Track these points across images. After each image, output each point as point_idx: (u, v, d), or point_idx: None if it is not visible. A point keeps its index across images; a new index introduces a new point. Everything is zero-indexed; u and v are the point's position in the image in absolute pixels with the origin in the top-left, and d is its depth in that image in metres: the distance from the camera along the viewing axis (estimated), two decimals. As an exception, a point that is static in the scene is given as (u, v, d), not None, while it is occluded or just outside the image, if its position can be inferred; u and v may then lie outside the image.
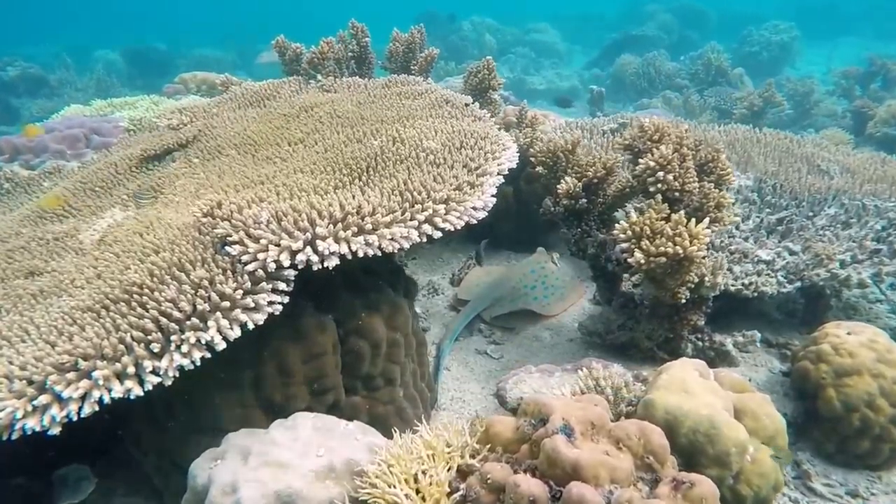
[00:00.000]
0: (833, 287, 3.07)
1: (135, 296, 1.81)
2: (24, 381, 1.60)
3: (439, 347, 3.29)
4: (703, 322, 2.78)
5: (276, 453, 1.75)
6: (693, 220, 2.30)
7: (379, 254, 1.87)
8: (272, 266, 1.80)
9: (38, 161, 4.02)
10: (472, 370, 3.26)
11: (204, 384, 2.06)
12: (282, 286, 1.84)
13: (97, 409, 1.59)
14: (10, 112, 11.02)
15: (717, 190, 2.52)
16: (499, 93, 4.04)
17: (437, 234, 1.97)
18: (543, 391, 2.37)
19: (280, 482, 1.66)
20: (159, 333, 1.70)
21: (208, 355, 1.74)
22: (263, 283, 1.82)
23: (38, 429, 1.54)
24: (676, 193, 2.43)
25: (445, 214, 1.98)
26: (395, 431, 1.74)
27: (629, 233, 2.35)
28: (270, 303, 1.82)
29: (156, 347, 1.67)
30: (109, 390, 1.59)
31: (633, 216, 2.41)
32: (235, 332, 1.76)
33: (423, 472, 1.50)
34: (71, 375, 1.59)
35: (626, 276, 2.99)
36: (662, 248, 2.24)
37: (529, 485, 1.36)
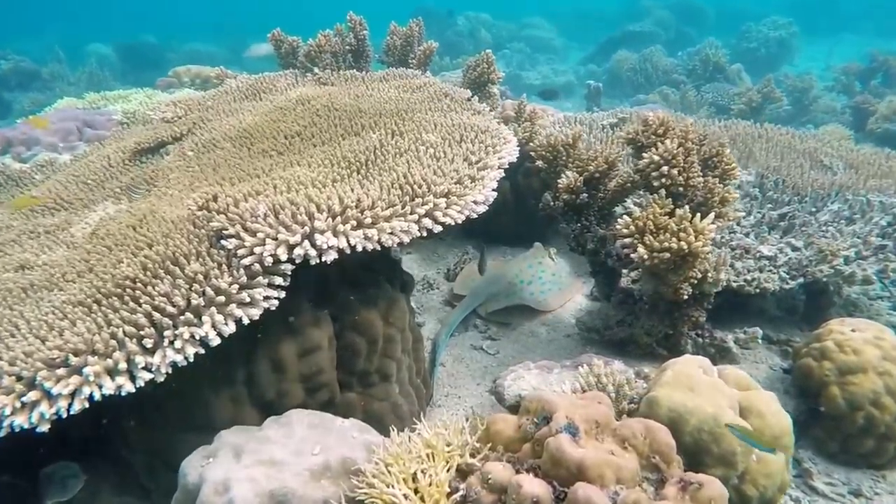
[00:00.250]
0: (836, 283, 3.04)
1: (127, 290, 1.76)
2: (13, 378, 1.55)
3: (435, 343, 3.26)
4: (703, 318, 2.75)
5: (270, 451, 1.71)
6: (698, 215, 2.27)
7: (378, 248, 1.83)
8: (269, 260, 1.76)
9: (30, 154, 3.96)
10: (467, 366, 3.23)
11: (195, 380, 2.02)
12: (278, 281, 1.80)
13: (87, 405, 1.54)
14: (1, 105, 10.90)
15: (721, 185, 2.48)
16: (497, 86, 4.00)
17: (438, 229, 1.93)
18: (542, 388, 2.33)
19: (274, 481, 1.62)
20: (152, 329, 1.65)
21: (202, 351, 1.69)
22: (259, 278, 1.77)
23: (26, 426, 1.49)
24: (680, 188, 2.39)
25: (446, 208, 1.94)
26: (393, 430, 1.70)
27: (632, 228, 2.31)
28: (266, 297, 1.77)
29: (148, 343, 1.63)
30: (100, 387, 1.55)
31: (636, 211, 2.37)
32: (230, 328, 1.72)
33: (423, 472, 1.46)
34: (61, 371, 1.54)
35: (625, 271, 2.95)
36: (666, 244, 2.21)
37: (532, 485, 1.32)
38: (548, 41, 17.59)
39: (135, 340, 1.63)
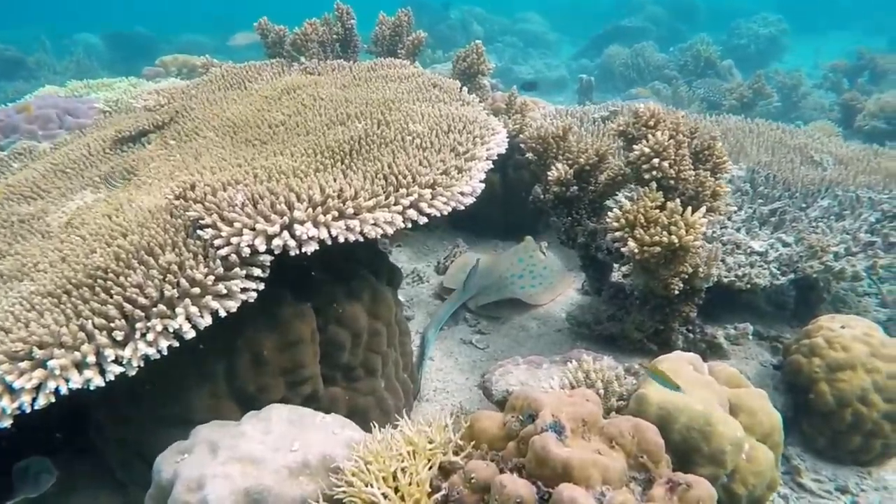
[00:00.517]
0: (826, 279, 3.03)
1: (98, 280, 1.69)
2: (-26, 372, 1.48)
3: (423, 337, 3.21)
4: (694, 314, 2.71)
5: (247, 447, 1.65)
6: (689, 208, 2.23)
7: (361, 239, 1.77)
8: (246, 251, 1.70)
9: (8, 141, 3.85)
10: (456, 360, 3.19)
11: (173, 373, 1.96)
12: (256, 272, 1.74)
13: (53, 400, 1.48)
14: (-16, 94, 10.69)
15: (712, 178, 2.44)
16: (487, 78, 3.94)
17: (423, 220, 1.88)
18: (530, 384, 2.29)
19: (250, 478, 1.56)
20: (123, 321, 1.58)
21: (176, 344, 1.63)
22: (237, 269, 1.71)
23: (-13, 421, 1.43)
24: (671, 181, 2.35)
25: (431, 199, 1.88)
26: (374, 426, 1.65)
27: (622, 221, 2.27)
28: (244, 289, 1.71)
29: (119, 335, 1.56)
30: (67, 381, 1.48)
31: (627, 204, 2.33)
32: (206, 320, 1.66)
33: (403, 470, 1.41)
34: (24, 365, 1.48)
35: (616, 265, 2.92)
36: (657, 238, 2.17)
37: (516, 485, 1.28)
38: (541, 35, 17.53)
39: (105, 333, 1.56)
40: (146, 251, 1.77)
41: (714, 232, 3.02)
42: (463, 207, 1.96)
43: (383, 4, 4.33)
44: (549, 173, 2.78)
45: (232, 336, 2.00)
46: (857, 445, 2.33)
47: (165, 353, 1.61)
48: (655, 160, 2.28)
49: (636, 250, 2.21)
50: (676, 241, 2.13)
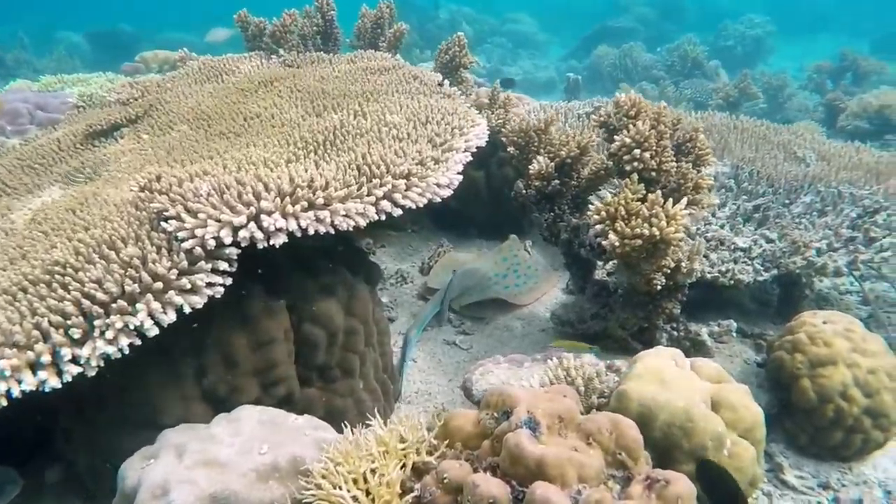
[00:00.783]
0: (809, 275, 3.01)
1: (56, 276, 1.62)
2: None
3: (406, 338, 3.15)
4: (678, 311, 2.68)
5: (215, 451, 1.59)
6: (670, 200, 2.19)
7: (332, 231, 1.71)
8: (211, 243, 1.63)
9: (-24, 137, 3.74)
10: (439, 361, 3.13)
11: (141, 375, 1.89)
12: (223, 266, 1.67)
13: (5, 403, 1.40)
14: (-39, 91, 10.47)
15: (695, 171, 2.41)
16: (469, 71, 3.89)
17: (398, 212, 1.82)
18: (512, 382, 2.24)
19: (216, 483, 1.49)
20: (81, 318, 1.51)
21: (138, 342, 1.56)
22: (202, 263, 1.64)
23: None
24: (653, 173, 2.31)
25: (406, 191, 1.82)
26: (346, 426, 1.59)
27: (603, 214, 2.22)
28: (210, 284, 1.64)
29: (76, 333, 1.49)
30: (20, 382, 1.41)
31: (608, 196, 2.28)
32: (170, 317, 1.59)
33: (373, 471, 1.35)
34: (-28, 365, 1.40)
35: (600, 263, 2.88)
36: (638, 230, 2.12)
37: (489, 485, 1.22)
38: (530, 36, 17.54)
39: (61, 331, 1.49)
40: (108, 245, 1.69)
41: (698, 228, 2.99)
42: (440, 200, 1.91)
43: (371, 1, 4.26)
44: (530, 167, 2.73)
45: (202, 335, 1.93)
46: (838, 441, 2.31)
47: (127, 351, 1.54)
48: (636, 151, 2.24)
49: (617, 243, 2.16)
50: (657, 233, 2.09)
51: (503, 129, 3.11)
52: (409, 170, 1.85)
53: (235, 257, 1.69)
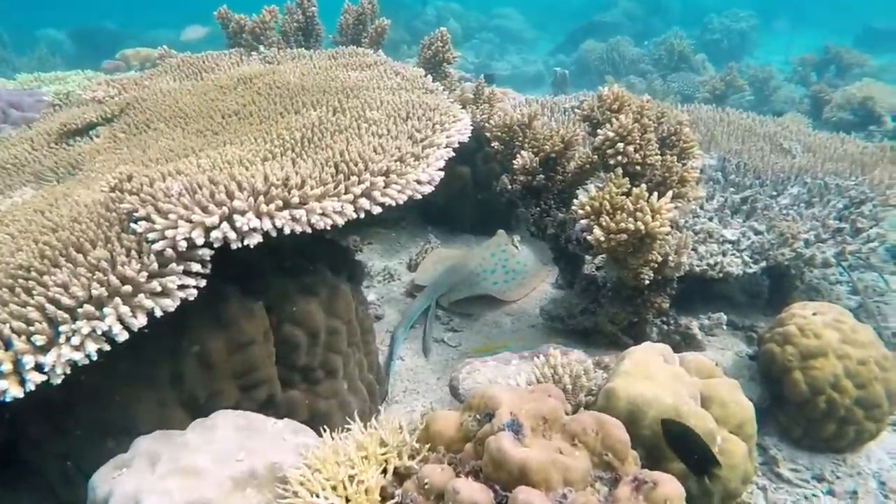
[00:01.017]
0: (798, 267, 2.99)
1: (20, 281, 1.55)
2: None
3: (393, 336, 3.10)
4: (667, 305, 2.65)
5: (189, 458, 1.53)
6: (655, 194, 2.15)
7: (308, 230, 1.65)
8: (183, 245, 1.57)
9: (-51, 139, 3.63)
10: (428, 359, 3.09)
11: (116, 381, 1.82)
12: (196, 268, 1.61)
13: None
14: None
15: (680, 164, 2.37)
16: (457, 67, 3.83)
17: (377, 210, 1.76)
18: (499, 381, 2.20)
19: (190, 492, 1.44)
20: (45, 324, 1.45)
21: (107, 347, 1.50)
22: (173, 265, 1.58)
23: None
24: (637, 167, 2.27)
25: (385, 188, 1.77)
26: (325, 431, 1.54)
27: (588, 209, 2.18)
28: (182, 286, 1.58)
29: (40, 340, 1.43)
30: (-21, 392, 1.34)
31: (593, 190, 2.24)
32: (140, 321, 1.52)
33: (351, 478, 1.30)
34: (-71, 375, 1.33)
35: (588, 257, 2.84)
36: (623, 225, 2.08)
37: (472, 490, 1.18)
38: (518, 32, 17.50)
39: (23, 337, 1.42)
40: (76, 247, 1.63)
41: (686, 221, 2.97)
42: (420, 196, 1.85)
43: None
44: (514, 162, 2.69)
45: (177, 338, 1.87)
46: (831, 433, 2.30)
47: (95, 357, 1.48)
48: (620, 145, 2.20)
49: (602, 238, 2.12)
50: (643, 227, 2.05)
51: (487, 125, 3.06)
52: (388, 166, 1.80)
53: (209, 258, 1.63)
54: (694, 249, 2.75)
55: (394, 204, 1.76)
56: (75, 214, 1.86)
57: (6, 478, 2.11)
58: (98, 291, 1.49)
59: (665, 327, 2.75)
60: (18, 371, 1.41)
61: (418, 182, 1.84)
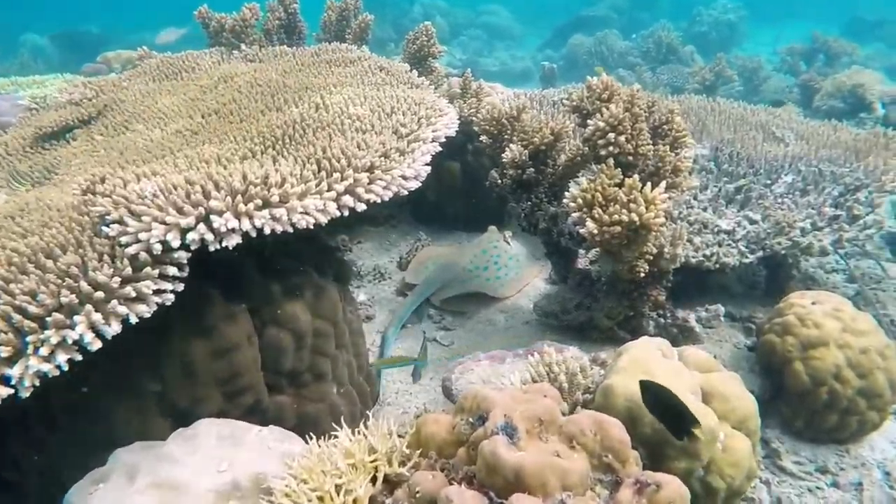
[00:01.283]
0: (794, 255, 2.95)
1: (-15, 290, 1.47)
2: None
3: (384, 336, 3.04)
4: (664, 298, 2.59)
5: (169, 471, 1.46)
6: (648, 184, 2.09)
7: (290, 230, 1.58)
8: (157, 247, 1.50)
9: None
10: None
11: (94, 390, 1.75)
12: (172, 271, 1.54)
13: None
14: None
15: (673, 154, 2.32)
16: (444, 63, 3.77)
17: (361, 207, 1.70)
18: (492, 380, 2.14)
19: (170, 507, 1.37)
20: (11, 334, 1.37)
21: (78, 357, 1.42)
22: (148, 269, 1.51)
23: None
24: (629, 157, 2.21)
25: (369, 184, 1.70)
26: (312, 438, 1.47)
27: (580, 201, 2.12)
28: (158, 291, 1.51)
29: (6, 351, 1.35)
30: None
31: (584, 183, 2.18)
32: (114, 328, 1.45)
33: (338, 488, 1.24)
34: None
35: (581, 251, 2.78)
36: (616, 217, 2.02)
37: (465, 498, 1.11)
38: (506, 28, 17.41)
39: (-12, 349, 1.35)
40: (45, 253, 1.55)
41: (680, 212, 2.92)
42: (406, 192, 1.79)
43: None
44: (503, 155, 2.62)
45: (158, 345, 1.79)
46: (833, 424, 2.26)
47: (66, 368, 1.41)
48: (611, 135, 2.14)
49: (595, 231, 2.06)
50: (637, 219, 2.00)
51: (475, 118, 3.00)
52: (371, 162, 1.73)
53: (186, 261, 1.56)
54: (689, 241, 2.70)
55: (379, 200, 1.69)
56: (46, 219, 1.78)
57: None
58: (68, 299, 1.41)
59: (662, 321, 2.70)
60: (-17, 385, 1.33)
61: (404, 178, 1.77)
